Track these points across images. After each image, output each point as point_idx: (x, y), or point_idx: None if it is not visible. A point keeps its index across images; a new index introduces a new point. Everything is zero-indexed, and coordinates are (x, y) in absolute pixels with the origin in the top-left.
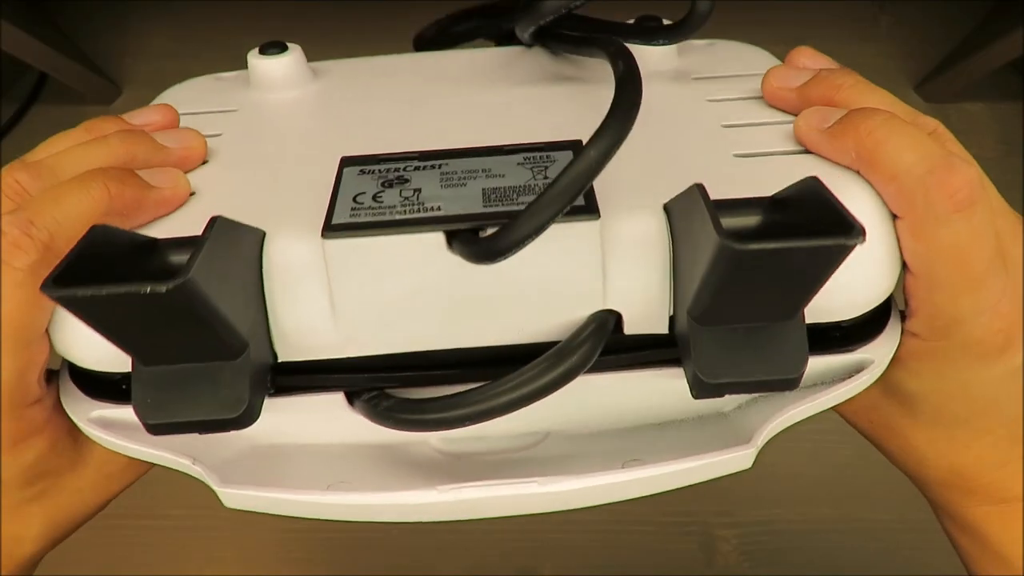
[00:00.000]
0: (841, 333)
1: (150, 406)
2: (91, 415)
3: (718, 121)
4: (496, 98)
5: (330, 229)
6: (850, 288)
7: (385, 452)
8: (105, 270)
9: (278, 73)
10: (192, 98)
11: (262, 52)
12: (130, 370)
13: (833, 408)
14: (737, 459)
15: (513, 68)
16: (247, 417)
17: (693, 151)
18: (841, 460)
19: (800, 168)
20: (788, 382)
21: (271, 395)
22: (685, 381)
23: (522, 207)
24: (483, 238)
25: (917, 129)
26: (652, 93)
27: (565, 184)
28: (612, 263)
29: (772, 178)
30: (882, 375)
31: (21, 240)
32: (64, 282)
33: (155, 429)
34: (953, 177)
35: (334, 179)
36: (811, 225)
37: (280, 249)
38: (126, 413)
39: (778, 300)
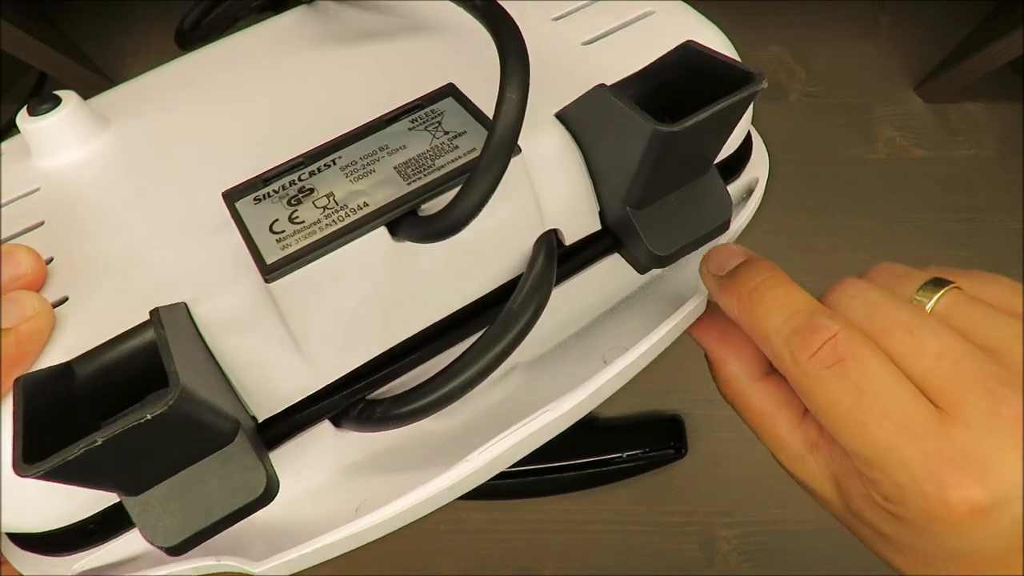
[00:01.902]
0: (728, 165)
1: (164, 529)
2: (73, 570)
3: (553, 18)
4: (320, 71)
5: (270, 271)
6: None
7: (388, 457)
8: (63, 421)
9: (62, 133)
10: None
11: (32, 112)
12: (84, 517)
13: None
14: (695, 309)
15: (312, 31)
16: (272, 488)
17: (544, 53)
18: None
19: (647, 31)
20: (724, 225)
21: None
22: (622, 265)
23: (445, 171)
24: (437, 215)
25: (793, 289)
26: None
27: (503, 137)
28: (539, 185)
29: (630, 52)
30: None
31: None
32: (35, 455)
33: (179, 548)
34: (812, 337)
35: (224, 216)
36: (712, 85)
37: (214, 311)
38: (111, 551)
39: (699, 159)
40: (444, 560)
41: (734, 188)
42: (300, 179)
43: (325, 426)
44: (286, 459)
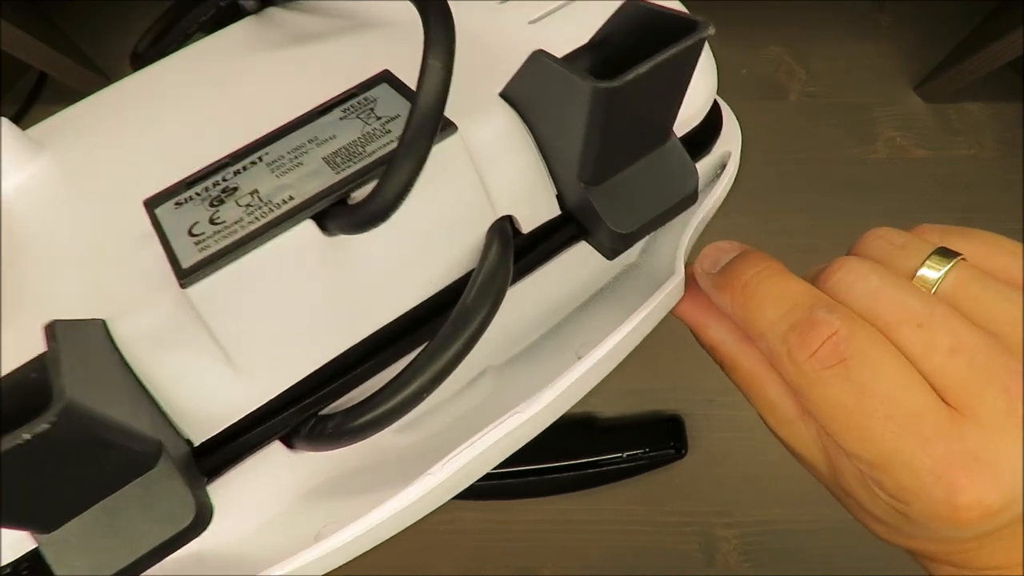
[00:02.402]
0: (696, 140)
1: (83, 568)
2: None
3: (500, 1)
4: (264, 76)
5: (186, 274)
6: (687, 100)
7: (353, 477)
8: None
9: None
10: None
11: None
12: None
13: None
14: (673, 291)
15: (257, 40)
16: (203, 516)
17: (488, 35)
18: None
19: (597, 4)
20: (690, 197)
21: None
22: (591, 253)
23: (375, 157)
24: (363, 202)
25: (789, 280)
26: None
27: (427, 105)
28: (485, 169)
29: (578, 26)
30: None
31: None
32: None
33: None
34: (811, 334)
35: (150, 227)
36: (660, 41)
37: (131, 327)
38: None
39: (654, 124)
40: (444, 560)
41: (704, 164)
42: (224, 179)
43: (277, 447)
44: (236, 485)
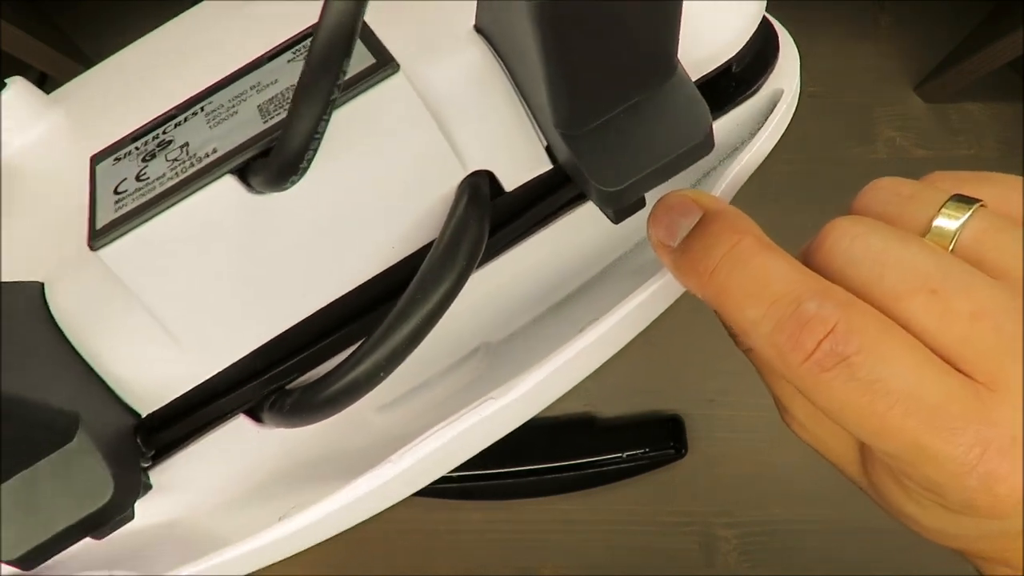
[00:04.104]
0: (734, 76)
1: (5, 540)
2: None
3: None
4: (260, 22)
5: (97, 236)
6: (717, 22)
7: (329, 458)
8: None
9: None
10: None
11: None
12: None
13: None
14: None
15: None
16: (124, 495)
17: None
18: None
19: None
20: (700, 147)
21: (154, 459)
22: (598, 217)
23: None
24: (273, 152)
25: (766, 262)
26: None
27: (327, 34)
28: (450, 116)
29: None
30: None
31: None
32: None
33: (23, 562)
34: (802, 335)
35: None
36: None
37: (67, 290)
38: None
39: (641, 51)
40: (444, 560)
41: (748, 107)
42: (164, 132)
43: (244, 423)
44: (201, 459)
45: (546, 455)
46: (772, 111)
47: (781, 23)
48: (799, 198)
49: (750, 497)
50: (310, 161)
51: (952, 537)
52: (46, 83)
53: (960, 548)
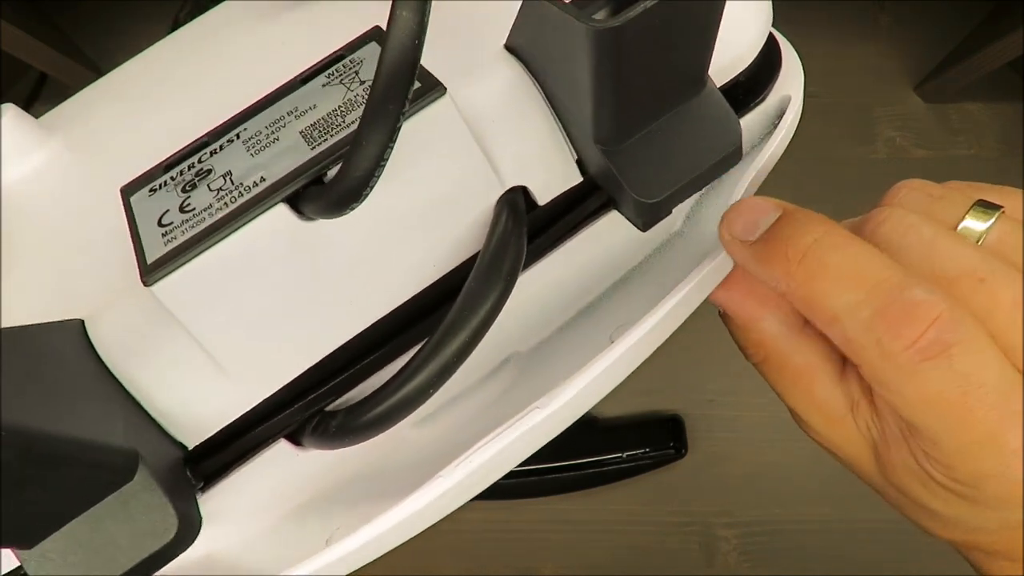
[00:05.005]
0: (745, 86)
1: None
2: None
3: None
4: (267, 43)
5: (149, 271)
6: (733, 33)
7: (369, 477)
8: None
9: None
10: None
11: None
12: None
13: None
14: (719, 264)
15: (261, 7)
16: (188, 529)
17: None
18: None
19: None
20: (732, 156)
21: (203, 490)
22: (623, 225)
23: (354, 128)
24: (332, 181)
25: (863, 249)
26: None
27: (394, 64)
28: (488, 135)
29: None
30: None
31: None
32: None
33: None
34: (910, 322)
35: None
36: None
37: (111, 325)
38: None
39: (680, 70)
40: (444, 560)
41: (759, 113)
42: (200, 161)
43: (284, 447)
44: (242, 487)
45: (546, 455)
46: (781, 116)
47: (781, 24)
48: (799, 198)
49: (750, 497)
50: (372, 188)
51: (972, 530)
52: (46, 83)
53: (970, 543)
